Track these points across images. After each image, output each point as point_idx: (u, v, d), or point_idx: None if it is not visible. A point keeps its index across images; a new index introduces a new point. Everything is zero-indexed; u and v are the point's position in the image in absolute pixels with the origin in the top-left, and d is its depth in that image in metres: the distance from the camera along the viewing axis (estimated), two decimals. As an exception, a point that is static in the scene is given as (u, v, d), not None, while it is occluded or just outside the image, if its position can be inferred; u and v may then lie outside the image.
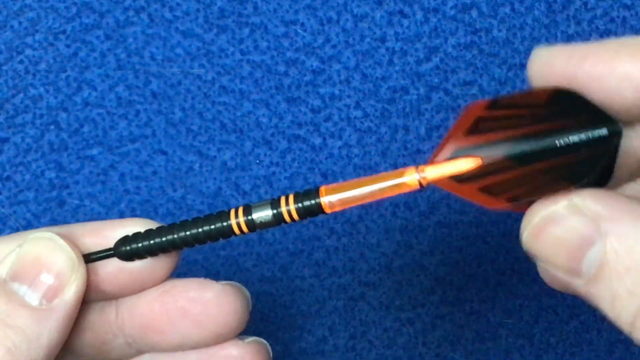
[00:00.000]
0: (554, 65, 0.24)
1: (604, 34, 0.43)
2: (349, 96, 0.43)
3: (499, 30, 0.43)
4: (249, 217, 0.27)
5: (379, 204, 0.43)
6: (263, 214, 0.27)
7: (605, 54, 0.23)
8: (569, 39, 0.43)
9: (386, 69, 0.43)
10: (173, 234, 0.27)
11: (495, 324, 0.45)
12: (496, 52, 0.43)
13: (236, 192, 0.43)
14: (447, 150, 0.25)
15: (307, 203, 0.26)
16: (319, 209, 0.26)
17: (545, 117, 0.25)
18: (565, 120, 0.24)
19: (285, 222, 0.27)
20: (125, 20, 0.42)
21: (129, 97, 0.42)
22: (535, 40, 0.42)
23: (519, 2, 0.43)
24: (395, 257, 0.44)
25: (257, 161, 0.43)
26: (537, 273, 0.46)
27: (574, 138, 0.24)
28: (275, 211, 0.26)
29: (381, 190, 0.26)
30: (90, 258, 0.28)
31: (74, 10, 0.42)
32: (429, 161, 0.26)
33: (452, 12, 0.42)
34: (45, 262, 0.26)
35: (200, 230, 0.27)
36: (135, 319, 0.29)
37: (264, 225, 0.27)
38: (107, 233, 0.28)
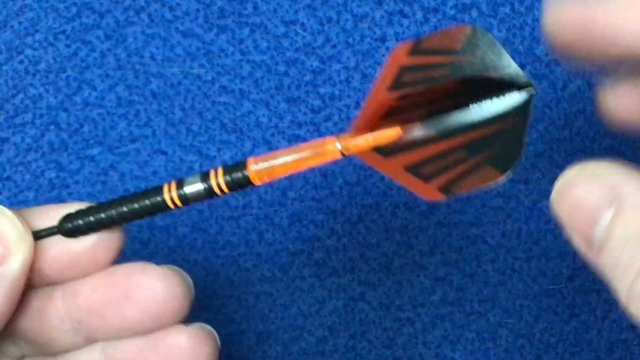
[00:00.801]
0: (567, 20, 0.24)
1: (604, 34, 0.43)
2: (348, 96, 0.43)
3: (499, 30, 0.43)
4: (181, 191, 0.27)
5: (379, 204, 0.43)
6: (194, 188, 0.27)
7: (619, 2, 0.24)
8: (569, 39, 0.43)
9: (386, 69, 0.43)
10: (112, 209, 0.28)
11: (495, 324, 0.45)
12: (496, 52, 0.43)
13: (236, 192, 0.43)
14: (369, 114, 0.25)
15: (235, 175, 0.27)
16: (247, 181, 0.27)
17: (463, 68, 0.25)
18: (481, 72, 0.25)
19: (216, 195, 0.27)
20: (125, 20, 0.42)
21: (129, 97, 0.42)
22: (535, 40, 0.42)
23: (519, 2, 0.43)
24: (395, 257, 0.44)
25: (257, 161, 0.43)
26: (537, 273, 0.46)
27: (485, 100, 0.25)
28: (205, 184, 0.27)
29: (305, 159, 0.26)
30: (36, 235, 0.28)
31: (74, 10, 0.42)
32: (352, 127, 0.26)
33: (452, 12, 0.42)
34: None
35: (136, 205, 0.28)
36: (79, 302, 0.29)
37: (196, 198, 0.27)
38: (51, 215, 0.28)
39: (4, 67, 0.42)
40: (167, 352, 0.29)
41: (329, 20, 0.42)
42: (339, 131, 0.43)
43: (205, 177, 0.27)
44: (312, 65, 0.42)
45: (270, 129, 0.43)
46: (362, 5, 0.42)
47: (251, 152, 0.43)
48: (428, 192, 0.25)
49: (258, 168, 0.27)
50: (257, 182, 0.27)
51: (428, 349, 0.45)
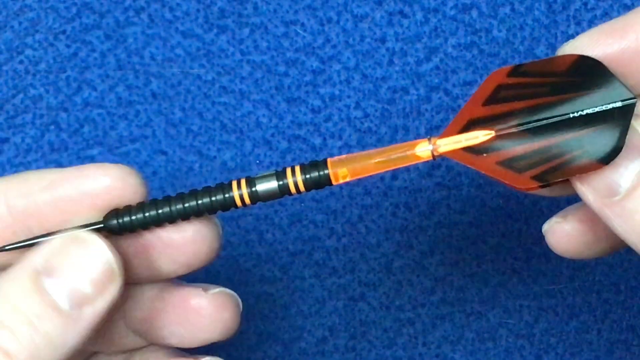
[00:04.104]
0: (583, 51, 0.26)
1: (604, 34, 0.43)
2: (349, 96, 0.43)
3: (499, 30, 0.43)
4: (253, 189, 0.26)
5: (379, 204, 0.43)
6: (267, 185, 0.26)
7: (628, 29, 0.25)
8: (568, 39, 0.43)
9: (386, 69, 0.43)
10: (169, 206, 0.27)
11: (495, 324, 0.45)
12: (496, 52, 0.43)
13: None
14: (461, 122, 0.26)
15: (313, 174, 0.26)
16: (326, 180, 0.26)
17: (564, 87, 0.25)
18: (583, 90, 0.25)
19: (290, 194, 0.26)
20: (125, 20, 0.42)
21: (129, 97, 0.42)
22: (535, 40, 0.43)
23: (519, 2, 0.43)
24: (395, 257, 0.44)
25: (257, 161, 0.43)
26: (537, 273, 0.46)
27: (587, 110, 0.25)
28: (280, 182, 0.26)
29: (392, 161, 0.26)
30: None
31: (74, 10, 0.42)
32: (443, 133, 0.26)
33: (452, 12, 0.42)
34: (84, 265, 0.25)
35: (200, 201, 0.27)
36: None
37: (268, 197, 0.26)
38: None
39: (4, 67, 0.42)
40: (186, 315, 0.29)
41: (329, 20, 0.42)
42: (339, 131, 0.43)
43: (280, 175, 0.26)
44: (312, 65, 0.42)
45: (270, 129, 0.43)
46: (362, 5, 0.42)
47: (251, 153, 0.43)
48: (521, 182, 0.25)
49: (340, 168, 0.26)
50: (335, 182, 0.26)
51: (428, 349, 0.45)
